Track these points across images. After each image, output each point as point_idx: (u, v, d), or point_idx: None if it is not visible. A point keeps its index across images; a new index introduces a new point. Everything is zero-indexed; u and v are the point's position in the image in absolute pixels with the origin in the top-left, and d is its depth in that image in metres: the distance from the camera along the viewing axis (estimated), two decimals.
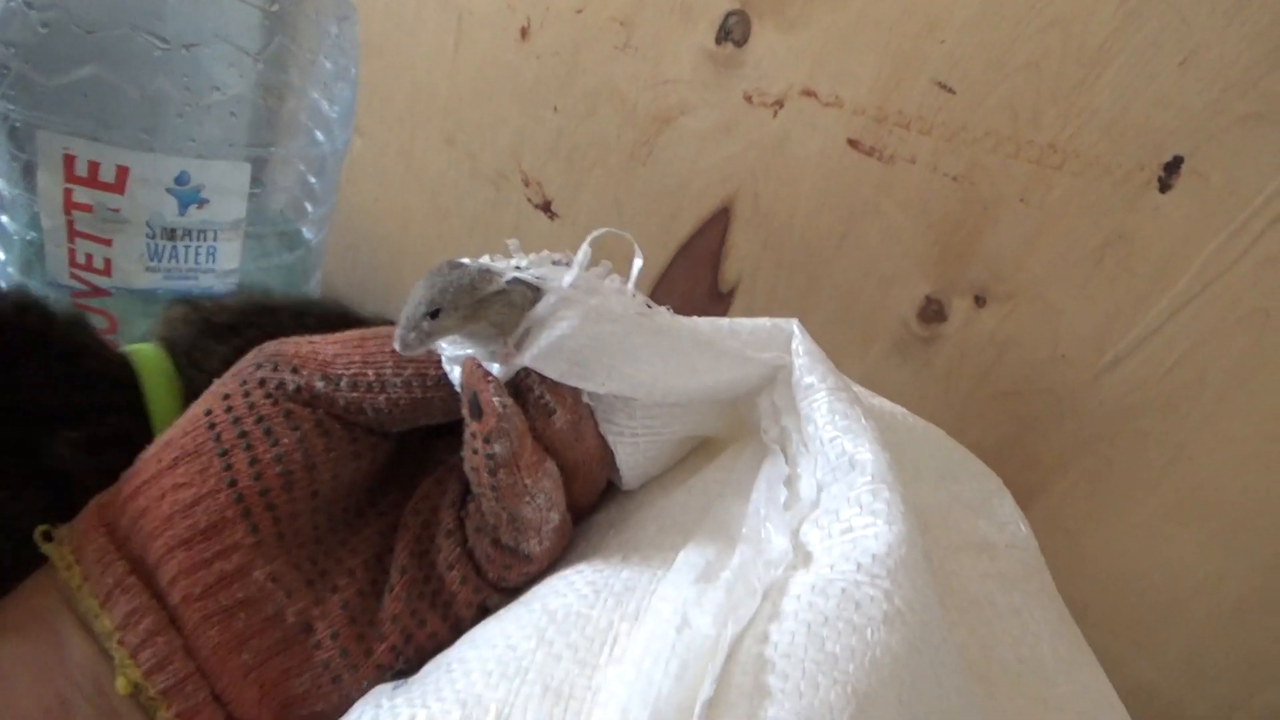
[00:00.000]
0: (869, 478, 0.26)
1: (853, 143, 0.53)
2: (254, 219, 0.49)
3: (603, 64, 0.60)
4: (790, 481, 0.28)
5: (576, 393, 0.29)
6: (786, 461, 0.29)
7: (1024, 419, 0.54)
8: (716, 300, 0.62)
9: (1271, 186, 0.44)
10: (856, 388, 0.37)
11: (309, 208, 0.54)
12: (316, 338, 0.31)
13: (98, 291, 0.46)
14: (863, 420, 0.29)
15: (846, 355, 0.58)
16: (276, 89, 0.45)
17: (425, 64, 0.69)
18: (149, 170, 0.43)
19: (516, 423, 0.27)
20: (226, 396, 0.29)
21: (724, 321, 0.32)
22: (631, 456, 0.31)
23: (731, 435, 0.33)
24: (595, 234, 0.31)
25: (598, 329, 0.27)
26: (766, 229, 0.58)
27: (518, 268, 0.28)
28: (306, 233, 0.55)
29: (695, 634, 0.23)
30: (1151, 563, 0.54)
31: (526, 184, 0.67)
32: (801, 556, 0.25)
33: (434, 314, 0.27)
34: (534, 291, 0.28)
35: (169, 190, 0.44)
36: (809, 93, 0.54)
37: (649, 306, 0.30)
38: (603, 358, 0.28)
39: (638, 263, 0.31)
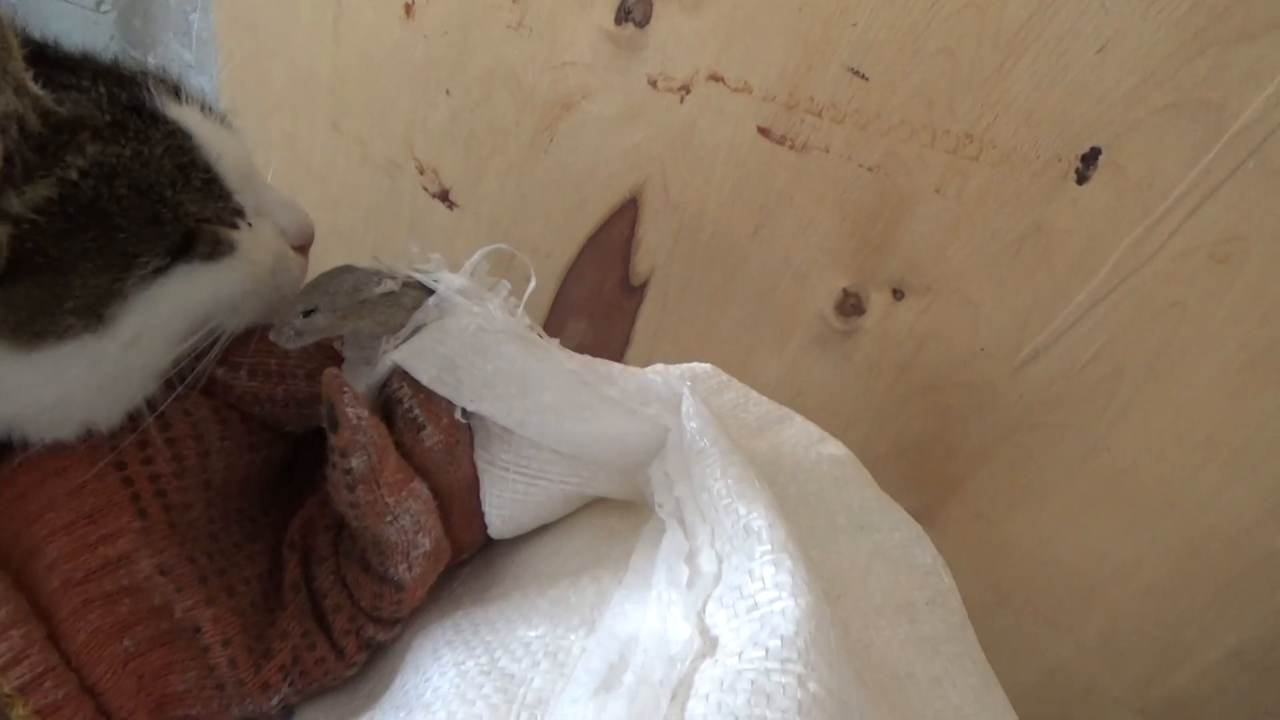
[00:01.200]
0: (768, 546, 0.25)
1: (763, 131, 0.51)
2: None
3: (495, 45, 0.56)
4: (690, 556, 0.26)
5: (451, 412, 0.28)
6: (685, 535, 0.26)
7: (944, 412, 0.53)
8: (629, 294, 0.59)
9: (1188, 179, 0.43)
10: (768, 437, 0.35)
11: None
12: None
13: None
14: (756, 484, 0.27)
15: (764, 351, 0.56)
16: None
17: (304, 42, 0.63)
18: None
19: (374, 436, 0.26)
20: None
21: (614, 367, 0.30)
22: (500, 494, 0.30)
23: (625, 508, 0.31)
24: (489, 248, 0.30)
25: (476, 339, 0.27)
26: (678, 220, 0.55)
27: (415, 270, 0.29)
28: None
29: None
30: (1070, 549, 0.54)
31: (421, 172, 0.63)
32: (708, 642, 0.23)
33: (308, 313, 0.27)
34: (428, 295, 0.28)
35: None
36: (716, 78, 0.51)
37: (538, 335, 0.29)
38: (476, 370, 0.27)
39: (531, 284, 0.31)
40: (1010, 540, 0.55)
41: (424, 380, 0.27)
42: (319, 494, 0.31)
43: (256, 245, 0.28)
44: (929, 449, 0.54)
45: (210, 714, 0.27)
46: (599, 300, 0.60)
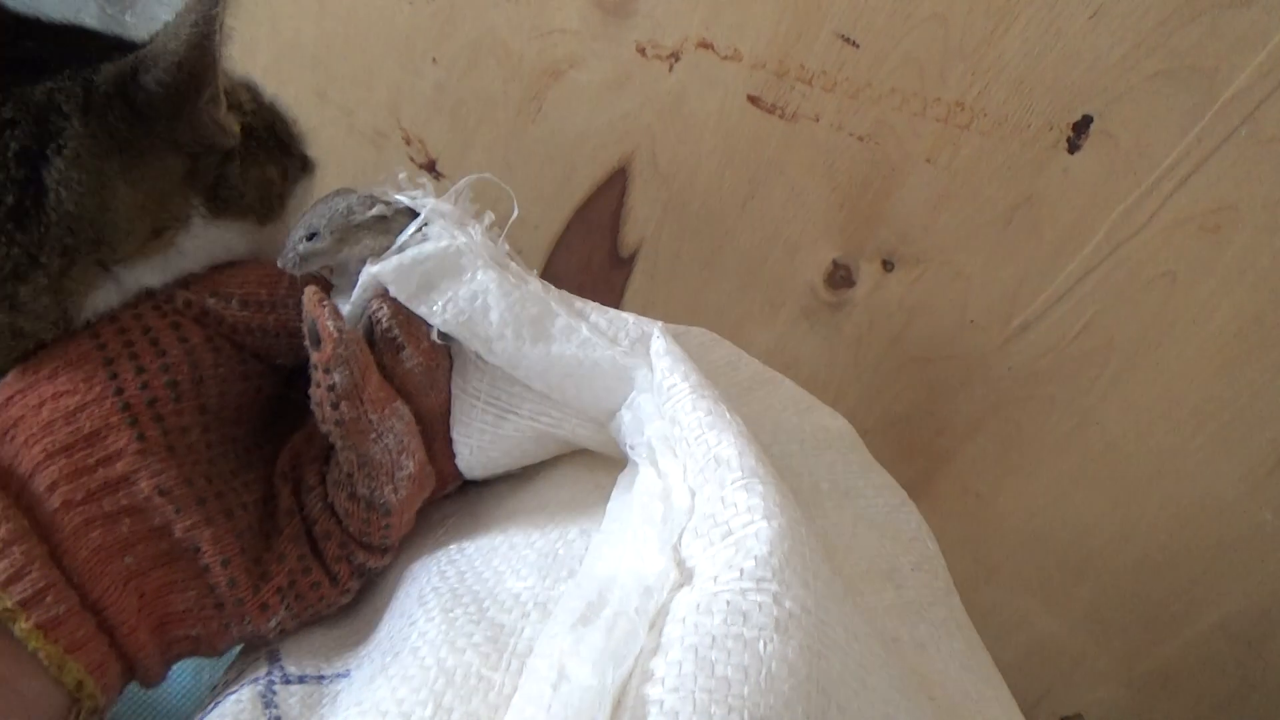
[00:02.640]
0: (738, 473, 0.24)
1: (753, 99, 0.50)
2: None
3: (482, 11, 0.55)
4: (663, 494, 0.25)
5: (429, 335, 0.29)
6: (658, 474, 0.26)
7: (934, 385, 0.53)
8: (617, 265, 0.58)
9: (1180, 147, 0.43)
10: (757, 398, 0.34)
11: None
12: (223, 266, 0.30)
13: None
14: (727, 415, 0.26)
15: (754, 322, 0.56)
16: None
17: (288, 9, 0.62)
18: None
19: (357, 351, 0.27)
20: (114, 318, 0.28)
21: (590, 304, 0.31)
22: (468, 423, 0.30)
23: (612, 464, 0.31)
24: (474, 176, 0.32)
25: (455, 261, 0.28)
26: (667, 191, 0.55)
27: (403, 194, 0.30)
28: None
29: (574, 687, 0.20)
30: (1059, 523, 0.54)
31: (408, 142, 0.62)
32: (684, 573, 0.23)
33: (310, 237, 0.28)
34: (412, 219, 0.29)
35: None
36: (705, 45, 0.50)
37: (517, 265, 0.30)
38: (451, 291, 0.28)
39: (514, 214, 0.32)
40: (999, 514, 0.55)
41: (401, 297, 0.28)
42: (306, 427, 0.31)
43: None
44: (918, 422, 0.54)
45: (210, 634, 0.27)
46: (587, 272, 0.60)
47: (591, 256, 0.59)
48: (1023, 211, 0.47)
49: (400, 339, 0.28)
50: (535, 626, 0.24)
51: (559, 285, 0.61)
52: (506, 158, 0.59)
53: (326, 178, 0.68)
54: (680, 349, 0.29)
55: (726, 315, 0.57)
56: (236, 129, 0.29)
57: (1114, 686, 0.57)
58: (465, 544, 0.28)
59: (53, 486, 0.25)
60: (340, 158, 0.66)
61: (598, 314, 0.30)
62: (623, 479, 0.28)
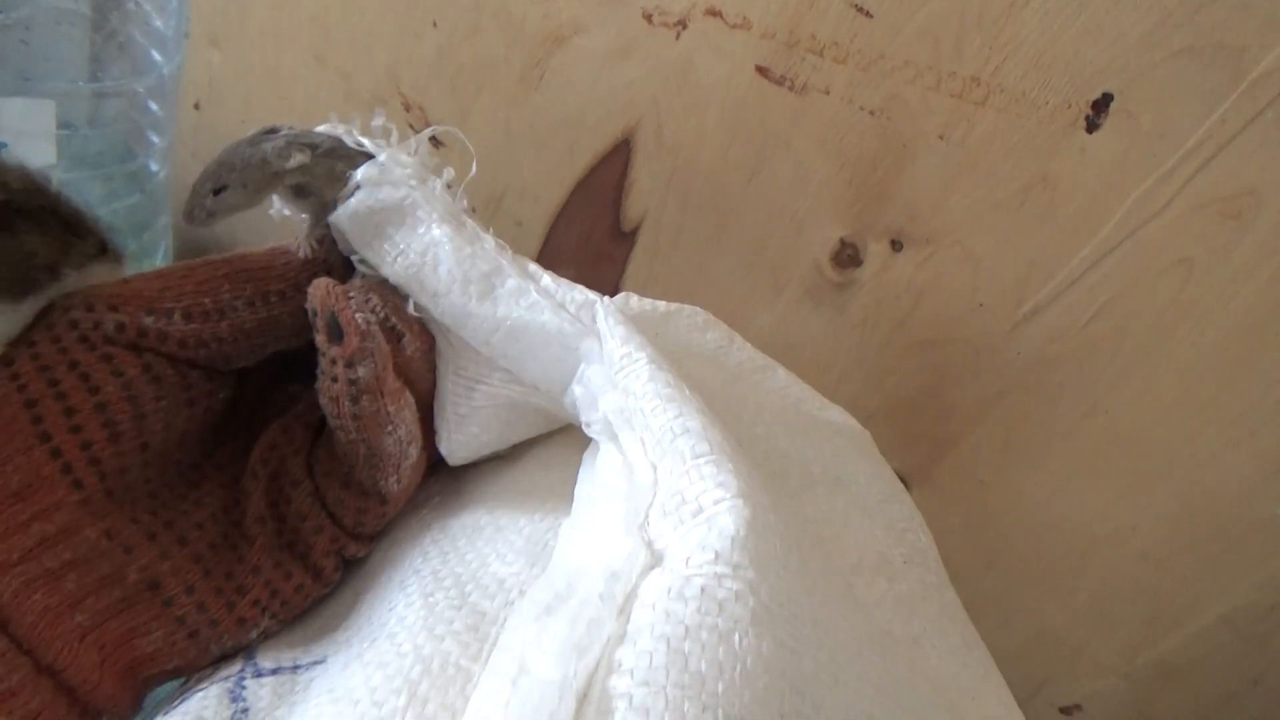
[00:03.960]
0: (705, 446, 0.23)
1: (762, 70, 0.48)
2: (90, 159, 0.42)
3: None
4: (625, 470, 0.24)
5: (419, 320, 0.28)
6: (618, 449, 0.25)
7: (940, 369, 0.51)
8: (619, 240, 0.57)
9: (1202, 129, 0.41)
10: (744, 383, 0.33)
11: (153, 138, 0.47)
12: (133, 276, 0.27)
13: None
14: (685, 391, 0.25)
15: (757, 301, 0.55)
16: (83, 13, 0.38)
17: None
18: None
19: (380, 343, 0.26)
20: (32, 344, 0.25)
21: (541, 270, 0.30)
22: (442, 395, 0.29)
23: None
24: (434, 129, 0.32)
25: (410, 212, 0.27)
26: (671, 163, 0.53)
27: (351, 135, 0.29)
28: (153, 166, 0.48)
29: (534, 681, 0.19)
30: (1063, 512, 0.53)
31: (407, 108, 0.61)
32: (653, 555, 0.21)
33: (218, 190, 0.27)
34: (358, 165, 0.28)
35: None
36: (714, 12, 0.48)
37: (473, 222, 0.29)
38: (403, 243, 0.27)
39: (472, 170, 0.30)
40: (1003, 501, 0.54)
41: (354, 244, 0.28)
42: (279, 422, 0.29)
43: None
44: (923, 407, 0.53)
45: (189, 661, 0.26)
46: (588, 246, 0.58)
47: (593, 230, 0.58)
48: (1037, 192, 0.45)
49: (399, 327, 0.27)
50: (512, 608, 0.23)
51: (559, 258, 0.60)
52: (507, 126, 0.57)
53: None
54: (629, 322, 0.27)
55: (729, 293, 0.55)
56: None
57: (1115, 678, 0.56)
58: (449, 523, 0.27)
59: None
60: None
61: (550, 279, 0.29)
62: (587, 458, 0.27)
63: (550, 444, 0.31)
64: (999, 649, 0.32)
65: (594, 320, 0.27)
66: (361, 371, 0.25)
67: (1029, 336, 0.48)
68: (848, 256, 0.51)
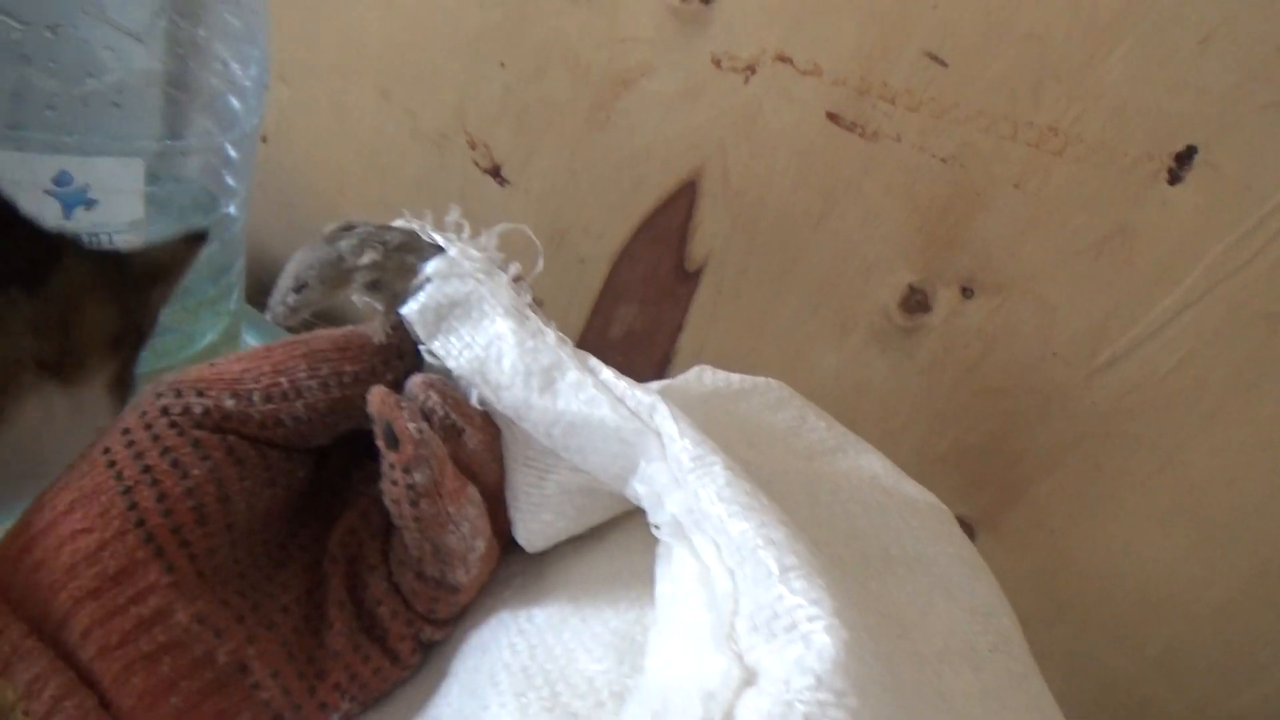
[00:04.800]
0: (794, 560, 0.22)
1: (832, 116, 0.48)
2: (174, 211, 0.43)
3: (553, 17, 0.54)
4: (701, 577, 0.23)
5: (484, 413, 0.28)
6: (690, 554, 0.24)
7: (1011, 417, 0.51)
8: (682, 279, 0.57)
9: None
10: (817, 464, 0.33)
11: (234, 185, 0.48)
12: (218, 360, 0.29)
13: None
14: (764, 499, 0.24)
15: (822, 343, 0.54)
16: (172, 73, 0.38)
17: (355, 7, 0.61)
18: (20, 171, 0.37)
19: (435, 448, 0.26)
20: (126, 431, 0.26)
21: (601, 364, 0.29)
22: (514, 486, 0.29)
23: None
24: (503, 227, 0.32)
25: (477, 307, 0.28)
26: (737, 206, 0.53)
27: (424, 230, 0.30)
28: (232, 212, 0.49)
29: None
30: (1136, 564, 0.52)
31: (473, 146, 0.61)
32: (746, 671, 0.21)
33: (299, 288, 0.28)
34: (429, 256, 0.29)
35: (48, 192, 0.38)
36: (784, 58, 0.48)
37: (538, 316, 0.29)
38: (468, 337, 0.28)
39: (538, 266, 0.31)
40: (1073, 551, 0.53)
41: (420, 336, 0.28)
42: (357, 506, 0.30)
43: None
44: (992, 453, 0.52)
45: None
46: (651, 285, 0.58)
47: (657, 268, 0.58)
48: (1116, 242, 0.44)
49: (459, 423, 0.27)
50: (612, 718, 0.22)
51: (622, 295, 0.60)
52: (572, 165, 0.57)
53: (389, 179, 0.68)
54: (695, 424, 0.26)
55: (794, 335, 0.55)
56: None
57: None
58: (535, 612, 0.27)
59: (86, 633, 0.24)
60: (403, 159, 0.65)
61: (610, 374, 0.28)
62: (661, 553, 0.27)
63: (629, 525, 0.31)
64: (1067, 701, 0.32)
65: (652, 417, 0.27)
66: (418, 476, 0.26)
67: (1105, 386, 0.48)
68: (916, 302, 0.50)
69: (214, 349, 0.52)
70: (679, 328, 0.59)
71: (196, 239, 0.35)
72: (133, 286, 0.33)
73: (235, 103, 0.44)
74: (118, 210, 0.39)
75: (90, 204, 0.39)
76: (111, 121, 0.37)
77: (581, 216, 0.59)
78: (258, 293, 0.59)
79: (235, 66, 0.43)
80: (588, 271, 0.61)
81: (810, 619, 0.20)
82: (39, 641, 0.24)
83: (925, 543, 0.31)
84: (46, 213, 0.38)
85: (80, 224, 0.39)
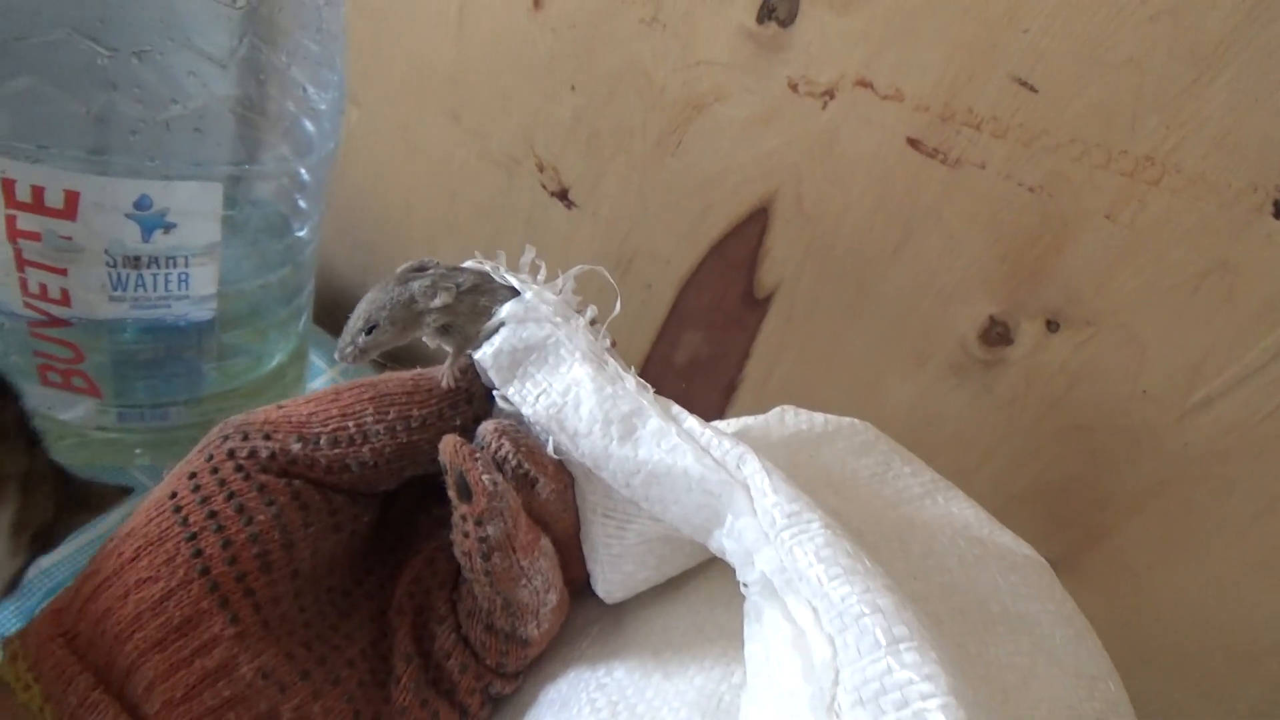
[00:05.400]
0: (905, 630, 0.21)
1: (913, 142, 0.47)
2: (249, 235, 0.43)
3: (626, 41, 0.53)
4: (795, 642, 0.22)
5: (557, 460, 0.27)
6: (783, 617, 0.23)
7: (1096, 456, 0.49)
8: (752, 306, 0.56)
9: None
10: (903, 511, 0.31)
11: (306, 208, 0.48)
12: (286, 401, 0.29)
13: (57, 322, 0.41)
14: (867, 561, 0.23)
15: (895, 374, 0.53)
16: (251, 98, 0.38)
17: (426, 30, 0.61)
18: (103, 195, 0.37)
19: (510, 501, 0.25)
20: (193, 475, 0.26)
21: (683, 411, 0.28)
22: (594, 538, 0.28)
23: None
24: (580, 269, 0.31)
25: (554, 352, 0.27)
26: (810, 232, 0.52)
27: (497, 271, 0.30)
28: (304, 235, 0.49)
29: None
30: (1228, 614, 0.49)
31: (541, 169, 0.61)
32: None
33: (370, 329, 0.28)
34: (502, 298, 0.29)
35: (129, 216, 0.38)
36: (864, 83, 0.47)
37: (616, 361, 0.29)
38: (544, 383, 0.27)
39: (616, 309, 0.30)
40: (1159, 597, 0.50)
41: (495, 382, 0.27)
42: (424, 552, 0.29)
43: None
44: (1074, 492, 0.50)
45: None
46: (719, 311, 0.57)
47: (725, 295, 0.57)
48: (1214, 278, 0.42)
49: (532, 473, 0.26)
50: None
51: (689, 321, 0.59)
52: (641, 189, 0.57)
53: (457, 202, 0.68)
54: (788, 478, 0.25)
55: (867, 364, 0.53)
56: None
57: None
58: (615, 665, 0.26)
59: (150, 686, 0.24)
60: (472, 182, 0.65)
61: (694, 422, 0.27)
62: (750, 611, 0.25)
63: (710, 572, 0.30)
64: None
65: (740, 468, 0.25)
66: (491, 530, 0.25)
67: (1198, 427, 0.45)
68: (997, 334, 0.49)
69: (282, 370, 0.52)
70: (746, 355, 0.58)
71: (124, 492, 0.34)
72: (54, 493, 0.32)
73: (311, 127, 0.44)
74: (195, 233, 0.39)
75: (169, 228, 0.39)
76: (192, 146, 0.37)
77: (649, 241, 0.58)
78: (321, 313, 0.59)
79: (313, 91, 0.42)
80: (654, 297, 0.60)
81: (924, 696, 0.19)
82: (105, 694, 0.24)
83: (1025, 600, 0.29)
84: (126, 236, 0.38)
85: (158, 247, 0.39)
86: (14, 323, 0.41)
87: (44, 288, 0.40)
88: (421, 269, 0.29)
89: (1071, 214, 0.44)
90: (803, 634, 0.22)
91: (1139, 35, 0.40)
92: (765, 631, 0.23)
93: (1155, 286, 0.44)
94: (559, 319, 0.28)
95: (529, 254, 0.30)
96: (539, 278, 0.30)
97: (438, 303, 0.28)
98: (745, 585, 0.25)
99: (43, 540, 0.30)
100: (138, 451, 0.48)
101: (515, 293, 0.29)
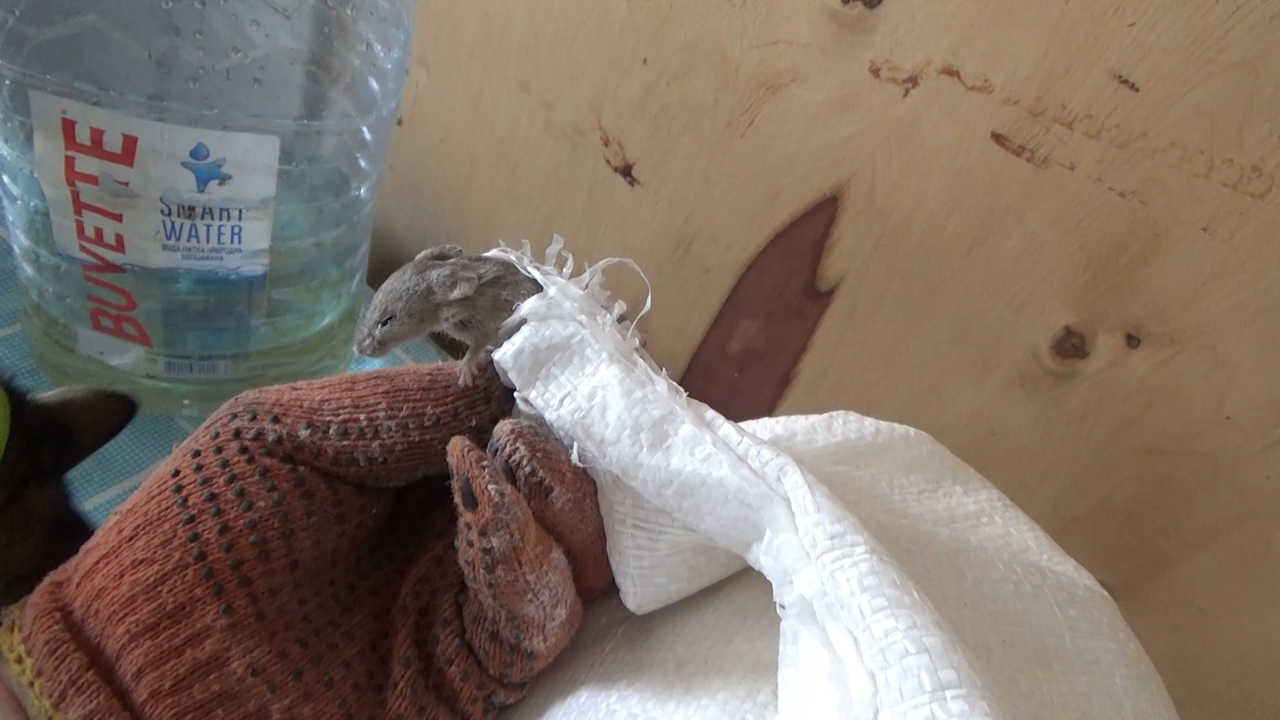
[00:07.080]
0: (954, 675, 0.19)
1: (998, 137, 0.44)
2: (305, 192, 0.43)
3: (703, 15, 0.51)
4: (835, 674, 0.20)
5: (576, 467, 0.25)
6: (823, 645, 0.21)
7: (1167, 481, 0.46)
8: (813, 298, 0.54)
9: None
10: (954, 529, 0.29)
11: (366, 168, 0.47)
12: (301, 383, 0.27)
13: (111, 267, 0.41)
14: (915, 594, 0.21)
15: (959, 380, 0.50)
16: (315, 51, 0.38)
17: None
18: (160, 141, 0.36)
19: (517, 513, 0.23)
20: (197, 454, 0.25)
21: (718, 416, 0.26)
22: (623, 550, 0.26)
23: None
24: (609, 261, 0.29)
25: (579, 351, 0.25)
26: (881, 226, 0.50)
27: (521, 262, 0.28)
28: (363, 194, 0.48)
29: None
30: None
31: (606, 143, 0.59)
32: None
33: (386, 320, 0.27)
34: (525, 292, 0.27)
35: (184, 164, 0.37)
36: (950, 71, 0.45)
37: (646, 361, 0.27)
38: (569, 383, 0.25)
39: (646, 306, 0.29)
40: (1225, 635, 0.47)
41: (515, 384, 0.26)
42: (432, 551, 0.28)
43: None
44: (1141, 519, 0.47)
45: None
46: (778, 301, 0.55)
47: (786, 284, 0.55)
48: None
49: (547, 481, 0.24)
50: None
51: (746, 309, 0.57)
52: (707, 170, 0.55)
53: (519, 171, 0.67)
54: (833, 495, 0.23)
55: (929, 368, 0.51)
56: None
57: None
58: (637, 677, 0.25)
59: (139, 674, 0.23)
60: (535, 151, 0.64)
61: (730, 429, 0.25)
62: (786, 632, 0.23)
63: (745, 582, 0.28)
64: None
65: (780, 481, 0.24)
66: (495, 542, 0.23)
67: None
68: (1072, 346, 0.46)
69: (332, 330, 0.52)
70: (803, 349, 0.56)
71: (125, 404, 0.34)
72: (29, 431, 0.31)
73: (375, 85, 0.43)
74: (249, 186, 0.39)
75: (224, 179, 0.38)
76: (252, 97, 0.37)
77: (711, 224, 0.56)
78: (380, 275, 0.59)
79: (379, 48, 0.42)
80: (712, 281, 0.58)
81: None
82: (97, 675, 0.23)
83: (1084, 636, 0.27)
84: (181, 185, 0.38)
85: (213, 198, 0.39)
86: (70, 265, 0.41)
87: (100, 232, 0.39)
88: (442, 257, 0.28)
89: (1164, 224, 0.41)
90: (841, 665, 0.20)
91: (1255, 36, 0.37)
92: (801, 658, 0.21)
93: (1250, 307, 0.41)
94: (584, 316, 0.26)
95: (556, 244, 0.29)
96: (565, 270, 0.28)
97: (456, 294, 0.26)
98: (782, 607, 0.23)
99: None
100: (186, 402, 0.48)
101: (539, 287, 0.27)
